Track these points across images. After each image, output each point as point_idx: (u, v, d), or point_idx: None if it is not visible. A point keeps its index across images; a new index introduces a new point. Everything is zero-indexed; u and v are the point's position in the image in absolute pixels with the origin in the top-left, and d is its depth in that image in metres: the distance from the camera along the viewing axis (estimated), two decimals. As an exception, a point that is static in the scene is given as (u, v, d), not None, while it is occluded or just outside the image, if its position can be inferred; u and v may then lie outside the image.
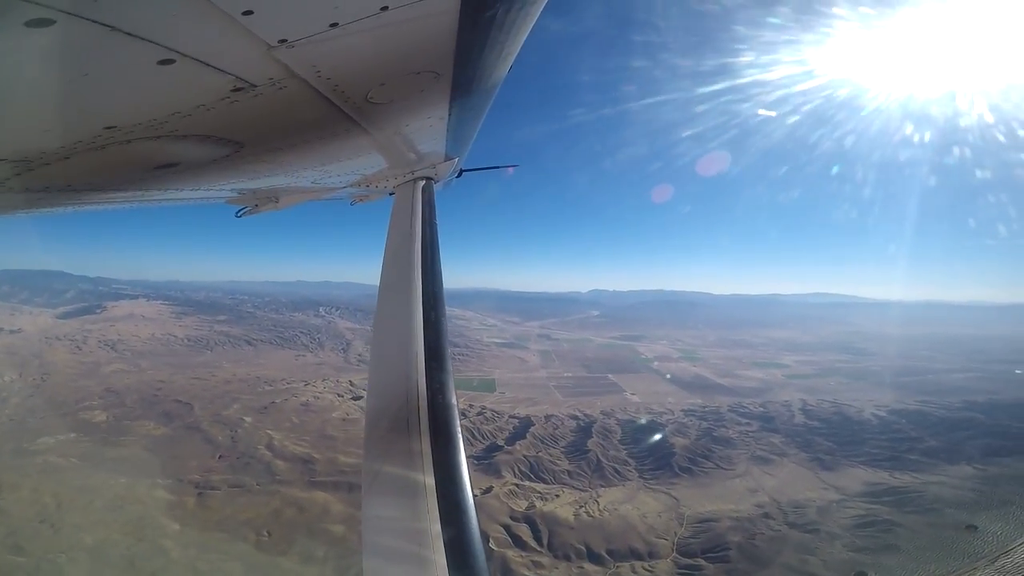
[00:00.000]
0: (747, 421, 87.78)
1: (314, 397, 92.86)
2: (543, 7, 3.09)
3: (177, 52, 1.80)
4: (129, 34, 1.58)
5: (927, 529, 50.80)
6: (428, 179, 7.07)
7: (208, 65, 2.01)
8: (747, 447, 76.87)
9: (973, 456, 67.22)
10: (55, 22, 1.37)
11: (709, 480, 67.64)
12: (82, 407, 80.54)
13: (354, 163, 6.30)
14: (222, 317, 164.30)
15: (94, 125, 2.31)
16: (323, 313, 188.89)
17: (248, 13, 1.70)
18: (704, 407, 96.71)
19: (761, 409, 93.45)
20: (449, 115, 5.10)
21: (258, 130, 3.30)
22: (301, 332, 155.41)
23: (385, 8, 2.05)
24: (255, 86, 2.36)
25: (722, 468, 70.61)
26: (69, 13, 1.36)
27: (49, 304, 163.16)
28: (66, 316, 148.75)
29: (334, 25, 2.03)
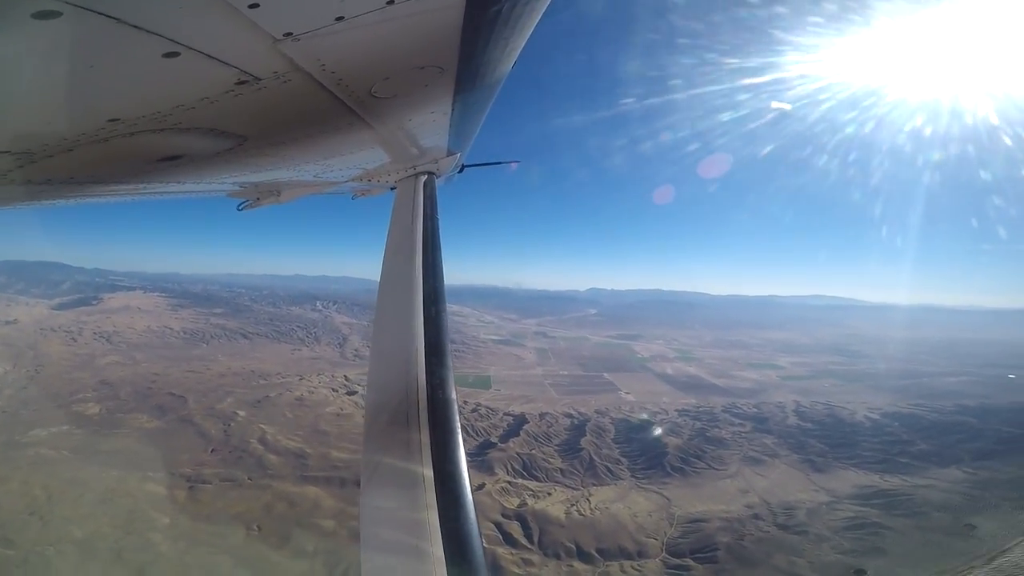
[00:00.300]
0: (740, 422, 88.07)
1: (308, 392, 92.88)
2: (548, 3, 3.12)
3: (182, 45, 1.81)
4: (135, 26, 1.60)
5: (916, 532, 51.15)
6: (430, 174, 7.07)
7: (213, 58, 2.02)
8: (740, 448, 77.16)
9: (964, 460, 67.62)
10: (61, 14, 1.39)
11: (701, 480, 67.90)
12: (75, 399, 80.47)
13: (356, 157, 6.31)
14: (219, 310, 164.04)
15: (98, 118, 2.33)
16: (320, 307, 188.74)
17: (254, 7, 1.71)
18: (698, 407, 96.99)
19: (755, 410, 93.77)
20: (452, 110, 5.12)
21: (262, 123, 3.33)
22: (297, 326, 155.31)
23: (391, 2, 2.07)
24: (259, 79, 2.37)
25: (714, 468, 70.88)
26: (75, 5, 1.37)
27: (45, 295, 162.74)
28: (62, 307, 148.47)
29: (340, 19, 2.05)
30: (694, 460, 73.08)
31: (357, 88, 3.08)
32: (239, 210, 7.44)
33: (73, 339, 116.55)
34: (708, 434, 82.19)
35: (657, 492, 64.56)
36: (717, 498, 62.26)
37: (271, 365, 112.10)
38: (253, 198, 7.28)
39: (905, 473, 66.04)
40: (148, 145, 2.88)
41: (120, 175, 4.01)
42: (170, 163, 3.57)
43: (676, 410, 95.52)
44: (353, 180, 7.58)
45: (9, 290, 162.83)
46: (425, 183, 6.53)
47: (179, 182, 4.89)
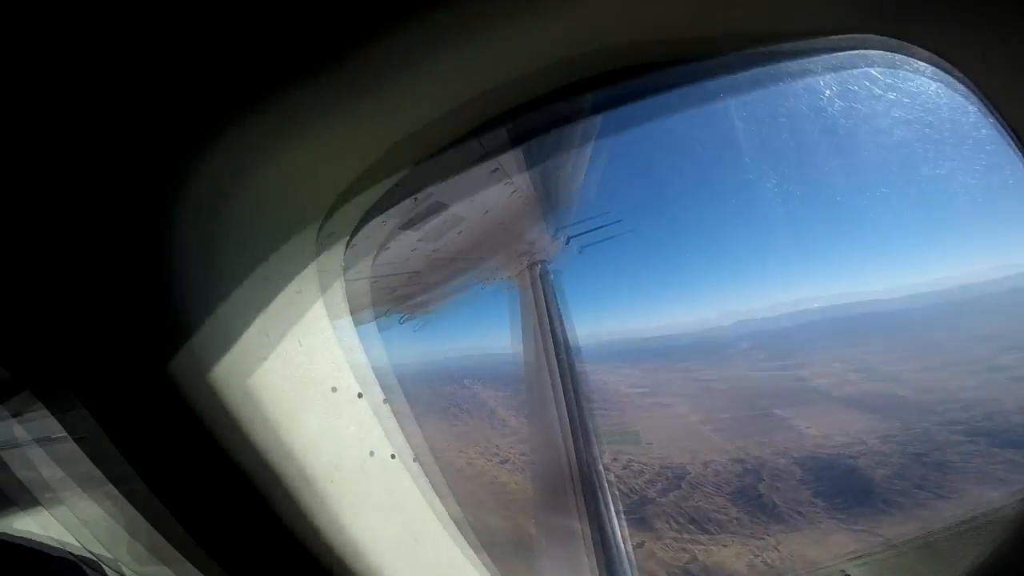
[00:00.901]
0: (969, 439, 69.13)
1: (467, 463, 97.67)
2: None
3: None
4: None
5: None
6: (542, 262, 7.63)
7: None
8: (975, 469, 60.14)
9: None
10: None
11: (928, 513, 53.69)
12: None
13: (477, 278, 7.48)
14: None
15: None
16: (467, 384, 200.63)
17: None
18: (906, 430, 78.83)
19: (986, 422, 72.98)
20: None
21: None
22: (451, 404, 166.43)
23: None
24: None
25: (944, 497, 55.66)
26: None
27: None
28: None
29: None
30: (914, 491, 58.42)
31: None
32: (400, 323, 8.64)
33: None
34: (926, 459, 65.79)
35: (869, 532, 52.71)
36: (956, 533, 48.49)
37: (434, 443, 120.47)
38: (409, 313, 8.57)
39: None
40: None
41: None
42: None
43: (876, 438, 78.70)
44: (478, 283, 8.79)
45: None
46: (539, 270, 7.18)
47: None
